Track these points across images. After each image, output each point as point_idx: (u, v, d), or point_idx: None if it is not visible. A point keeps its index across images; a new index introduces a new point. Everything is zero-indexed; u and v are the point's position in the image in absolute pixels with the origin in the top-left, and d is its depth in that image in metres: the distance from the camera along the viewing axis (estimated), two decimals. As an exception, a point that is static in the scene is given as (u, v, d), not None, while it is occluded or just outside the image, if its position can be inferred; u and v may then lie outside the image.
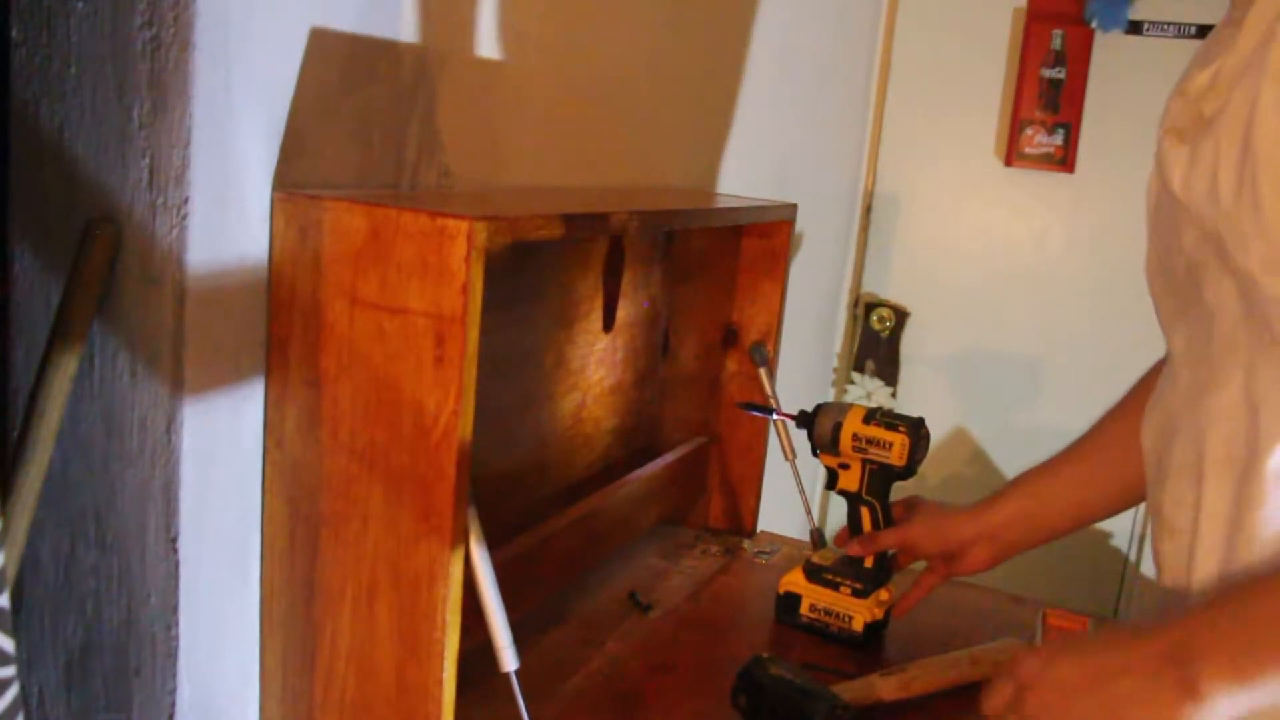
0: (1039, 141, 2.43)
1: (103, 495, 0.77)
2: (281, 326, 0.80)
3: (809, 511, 1.39)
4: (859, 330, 2.61)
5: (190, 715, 0.80)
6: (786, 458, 1.36)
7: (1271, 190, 0.61)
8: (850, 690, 1.05)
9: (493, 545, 0.81)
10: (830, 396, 2.63)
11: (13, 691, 0.59)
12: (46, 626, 0.81)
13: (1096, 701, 0.64)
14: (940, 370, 2.60)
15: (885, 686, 1.06)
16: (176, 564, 0.77)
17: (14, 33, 0.73)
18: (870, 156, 2.57)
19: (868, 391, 2.59)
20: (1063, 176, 2.43)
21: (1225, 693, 0.59)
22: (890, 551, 1.20)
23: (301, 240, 0.78)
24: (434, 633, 0.77)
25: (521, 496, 1.18)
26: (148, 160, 0.72)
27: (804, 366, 2.39)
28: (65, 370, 0.71)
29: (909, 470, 1.18)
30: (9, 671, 0.58)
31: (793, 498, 1.39)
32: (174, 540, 0.76)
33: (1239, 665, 0.60)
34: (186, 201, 0.72)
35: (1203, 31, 2.31)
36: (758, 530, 1.49)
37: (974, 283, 2.55)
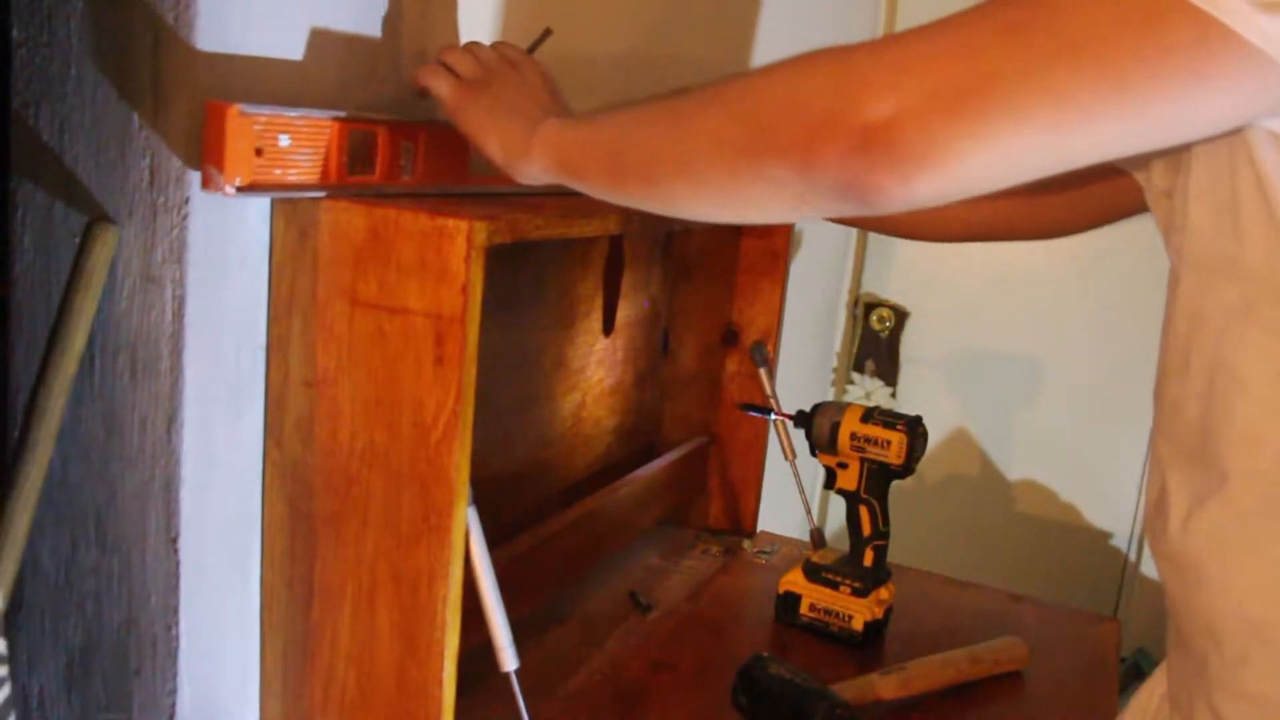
0: (1039, 141, 2.42)
1: (103, 495, 0.77)
2: (281, 326, 0.80)
3: (809, 511, 1.39)
4: (859, 330, 2.61)
5: (190, 715, 0.80)
6: (786, 458, 1.36)
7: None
8: (850, 689, 1.05)
9: (493, 545, 0.81)
10: (830, 396, 2.63)
11: (4, 691, 0.59)
12: (46, 626, 0.81)
13: (503, 98, 0.81)
14: (940, 370, 2.60)
15: (885, 685, 1.07)
16: (176, 564, 0.77)
17: (14, 33, 0.73)
18: (870, 156, 2.56)
19: (867, 391, 2.59)
20: (1062, 176, 2.43)
21: (549, 149, 0.77)
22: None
23: (301, 240, 0.78)
24: (434, 633, 0.77)
25: (521, 496, 1.18)
26: (148, 160, 0.72)
27: (804, 366, 2.39)
28: (65, 370, 0.72)
29: (907, 469, 1.18)
30: (1, 671, 0.58)
31: (793, 498, 1.39)
32: (174, 540, 0.76)
33: (573, 133, 0.77)
34: (186, 201, 0.72)
35: (1202, 31, 2.31)
36: (758, 530, 1.49)
37: (974, 283, 2.55)
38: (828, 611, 1.20)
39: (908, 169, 0.57)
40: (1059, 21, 0.55)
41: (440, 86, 0.83)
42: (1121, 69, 0.54)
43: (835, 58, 0.61)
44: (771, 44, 1.72)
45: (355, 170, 0.80)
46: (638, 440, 1.45)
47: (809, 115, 0.60)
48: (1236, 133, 0.60)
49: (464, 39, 0.97)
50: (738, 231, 1.42)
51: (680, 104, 0.69)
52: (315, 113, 0.75)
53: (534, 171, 0.78)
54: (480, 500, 0.79)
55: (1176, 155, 0.68)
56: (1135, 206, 0.83)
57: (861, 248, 2.61)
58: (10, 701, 0.59)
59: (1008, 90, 0.55)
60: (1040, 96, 0.55)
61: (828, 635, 1.20)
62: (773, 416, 1.35)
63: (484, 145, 0.80)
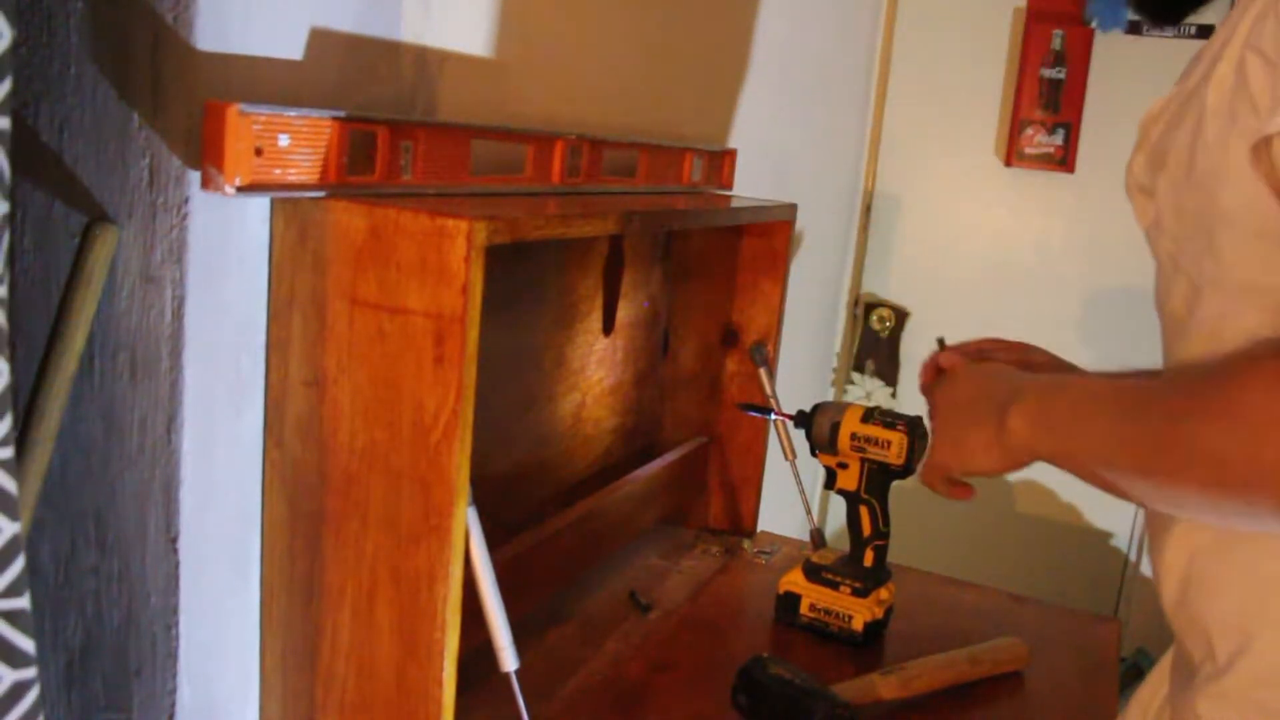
0: (1039, 141, 2.43)
1: (103, 495, 0.77)
2: (281, 327, 0.80)
3: (809, 511, 1.39)
4: (859, 330, 2.61)
5: (190, 715, 0.80)
6: (786, 458, 1.36)
7: (1224, 227, 0.63)
8: (850, 689, 1.05)
9: (493, 545, 0.81)
10: (830, 396, 2.63)
11: (33, 693, 0.59)
12: (46, 626, 0.81)
13: (959, 417, 0.84)
14: (940, 370, 2.59)
15: (885, 685, 1.07)
16: (176, 564, 0.77)
17: (14, 33, 0.73)
18: (870, 156, 2.57)
19: (867, 391, 2.59)
20: (1063, 176, 2.43)
21: (1024, 435, 0.74)
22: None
23: (301, 240, 0.78)
24: (434, 633, 0.77)
25: (521, 496, 1.18)
26: (148, 160, 0.72)
27: (804, 366, 2.39)
28: (65, 370, 0.71)
29: (907, 469, 1.18)
30: (30, 673, 0.58)
31: (793, 498, 1.39)
32: (174, 540, 0.76)
33: (1039, 417, 0.74)
34: (186, 201, 0.72)
35: (1203, 32, 2.32)
36: (758, 530, 1.49)
37: (974, 283, 2.55)
38: (828, 611, 1.20)
39: None
40: None
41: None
42: None
43: None
44: (772, 43, 1.72)
45: (355, 170, 0.79)
46: (638, 440, 1.45)
47: None
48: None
49: (464, 39, 0.97)
50: (738, 232, 1.42)
51: (1147, 444, 0.63)
52: (315, 112, 0.75)
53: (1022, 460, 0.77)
54: (480, 500, 0.79)
55: (1162, 152, 0.69)
56: None
57: (861, 248, 2.61)
58: (40, 702, 0.59)
59: None
60: None
61: (828, 635, 1.20)
62: (773, 416, 1.35)
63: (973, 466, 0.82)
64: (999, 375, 0.83)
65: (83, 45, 0.71)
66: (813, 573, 1.22)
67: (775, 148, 1.84)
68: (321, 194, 0.77)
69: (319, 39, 0.81)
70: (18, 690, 0.58)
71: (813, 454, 1.24)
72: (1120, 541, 2.47)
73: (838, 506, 1.31)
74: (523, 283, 1.12)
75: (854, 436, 1.19)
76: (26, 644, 0.58)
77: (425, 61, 0.92)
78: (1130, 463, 0.64)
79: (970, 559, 2.41)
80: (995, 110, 2.48)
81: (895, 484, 1.20)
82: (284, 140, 0.73)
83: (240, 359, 0.79)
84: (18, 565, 0.57)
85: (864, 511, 1.21)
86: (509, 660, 0.82)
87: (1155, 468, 0.62)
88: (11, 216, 0.75)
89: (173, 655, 0.78)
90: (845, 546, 1.24)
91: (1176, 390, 0.63)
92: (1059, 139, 2.41)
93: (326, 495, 0.80)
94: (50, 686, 0.81)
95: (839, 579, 1.21)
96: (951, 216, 2.57)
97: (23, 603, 0.57)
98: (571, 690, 1.05)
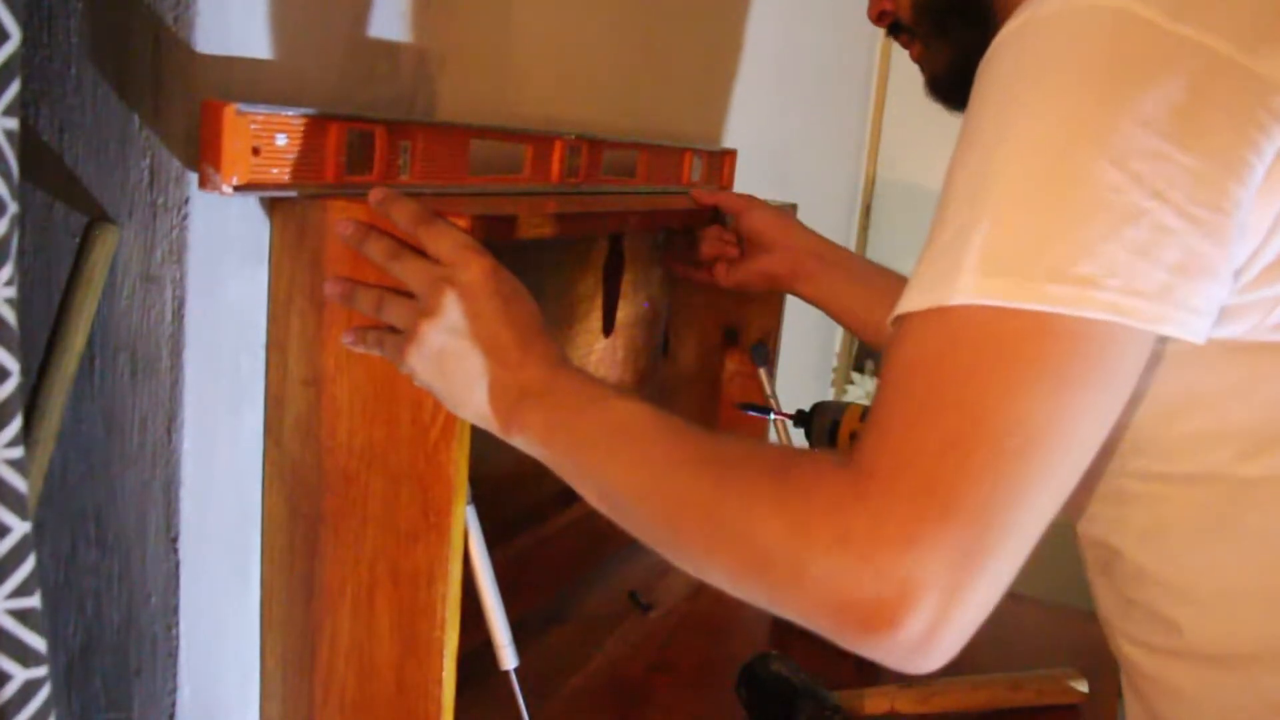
0: (1039, 141, 2.42)
1: (103, 495, 0.77)
2: (281, 326, 0.80)
3: (809, 511, 1.39)
4: (859, 330, 2.61)
5: (190, 715, 0.80)
6: (786, 457, 1.36)
7: None
8: (864, 696, 1.05)
9: (492, 544, 0.81)
10: (830, 396, 2.63)
11: (44, 692, 0.59)
12: (46, 627, 0.81)
13: (465, 364, 0.70)
14: (940, 370, 2.59)
15: (903, 698, 1.06)
16: (176, 564, 0.77)
17: (22, 34, 0.73)
18: (870, 155, 2.57)
19: (868, 391, 2.59)
20: (1063, 176, 2.42)
21: (536, 432, 0.69)
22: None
23: (299, 239, 0.78)
24: (434, 631, 0.77)
25: (521, 496, 1.18)
26: (148, 160, 0.72)
27: (804, 366, 2.39)
28: (65, 370, 0.72)
29: (908, 469, 1.18)
30: (41, 672, 0.58)
31: (792, 497, 1.39)
32: (174, 540, 0.76)
33: (560, 424, 0.68)
34: (186, 201, 0.72)
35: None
36: (758, 530, 1.49)
37: (974, 282, 2.55)
38: (828, 611, 1.20)
39: (952, 640, 0.56)
40: (998, 415, 0.53)
41: (389, 352, 0.73)
42: (1061, 423, 0.53)
43: (819, 523, 0.55)
44: (772, 43, 1.72)
45: (353, 170, 0.80)
46: (638, 440, 1.44)
47: (828, 596, 0.57)
48: None
49: (464, 39, 0.97)
50: (737, 231, 1.41)
51: (694, 504, 0.60)
52: (313, 112, 0.75)
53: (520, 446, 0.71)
54: (480, 499, 0.79)
55: None
56: None
57: (861, 247, 2.61)
58: (51, 701, 0.60)
59: (1002, 527, 0.54)
60: (1022, 498, 0.54)
61: (828, 635, 1.20)
62: (773, 416, 1.35)
63: (460, 414, 0.72)
64: (537, 346, 0.71)
65: (83, 45, 0.71)
66: (812, 572, 1.22)
67: (775, 147, 1.84)
68: (320, 194, 0.77)
69: (319, 39, 0.81)
70: (29, 688, 0.58)
71: (812, 454, 1.24)
72: (1121, 541, 2.47)
73: (837, 506, 1.30)
74: (522, 283, 1.12)
75: (854, 435, 1.19)
76: (38, 642, 0.58)
77: (425, 61, 0.92)
78: (663, 511, 0.61)
79: (971, 559, 2.41)
80: (995, 110, 2.48)
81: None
82: (282, 140, 0.73)
83: (240, 359, 0.79)
84: (28, 564, 0.57)
85: (864, 511, 1.20)
86: (508, 659, 0.82)
87: (693, 528, 0.59)
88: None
89: (173, 655, 0.78)
90: (845, 546, 1.24)
91: (750, 464, 0.59)
92: (1059, 139, 2.40)
93: (325, 494, 0.80)
94: (50, 686, 0.81)
95: (839, 578, 1.20)
96: (951, 216, 2.56)
97: (33, 601, 0.58)
98: (571, 690, 1.05)
